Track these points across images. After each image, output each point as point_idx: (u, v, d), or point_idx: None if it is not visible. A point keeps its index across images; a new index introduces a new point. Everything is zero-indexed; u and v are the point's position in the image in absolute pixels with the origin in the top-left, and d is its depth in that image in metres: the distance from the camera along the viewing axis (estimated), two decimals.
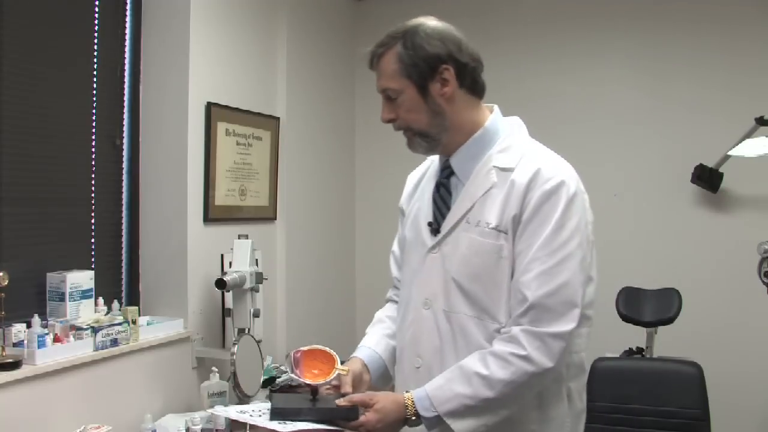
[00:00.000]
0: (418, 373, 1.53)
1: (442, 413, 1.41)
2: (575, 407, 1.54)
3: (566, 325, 1.41)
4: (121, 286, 2.72)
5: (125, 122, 2.75)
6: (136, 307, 2.55)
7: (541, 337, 1.39)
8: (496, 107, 1.60)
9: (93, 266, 2.54)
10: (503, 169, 1.50)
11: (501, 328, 1.46)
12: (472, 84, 1.53)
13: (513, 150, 1.52)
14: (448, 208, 1.55)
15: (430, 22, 1.54)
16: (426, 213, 1.59)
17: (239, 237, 2.73)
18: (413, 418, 1.43)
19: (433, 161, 1.68)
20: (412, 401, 1.43)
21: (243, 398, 2.46)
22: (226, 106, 2.95)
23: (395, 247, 1.78)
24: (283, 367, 3.12)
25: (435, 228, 1.55)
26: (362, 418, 1.43)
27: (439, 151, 1.59)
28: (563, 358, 1.43)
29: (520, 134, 1.58)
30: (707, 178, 3.46)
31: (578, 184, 1.50)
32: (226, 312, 2.83)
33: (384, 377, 1.67)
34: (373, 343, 1.68)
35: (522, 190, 1.46)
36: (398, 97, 1.52)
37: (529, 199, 1.45)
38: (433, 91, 1.50)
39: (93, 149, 2.61)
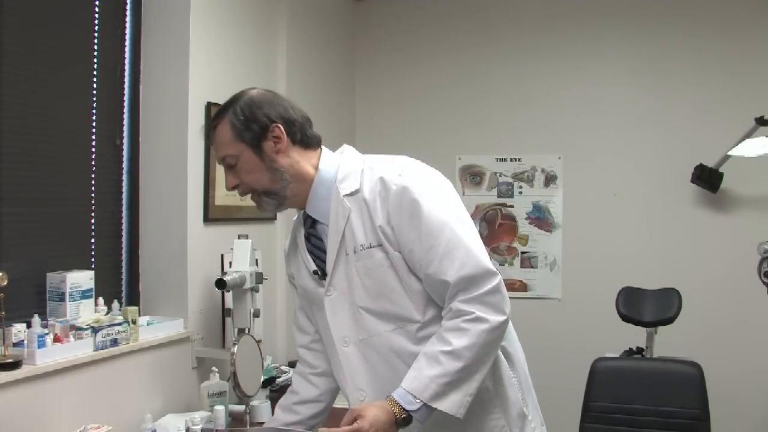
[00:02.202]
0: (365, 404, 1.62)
1: (426, 400, 1.47)
2: (513, 359, 1.67)
3: (492, 280, 1.52)
4: (121, 286, 2.72)
5: (125, 122, 2.75)
6: (136, 307, 2.55)
7: (479, 299, 1.50)
8: (323, 147, 1.74)
9: (93, 266, 2.54)
10: (351, 194, 1.62)
11: (420, 323, 1.58)
12: (303, 138, 1.68)
13: (352, 175, 1.65)
14: (325, 252, 1.66)
15: (254, 90, 1.69)
16: (309, 265, 1.70)
17: (239, 237, 2.73)
18: (402, 416, 1.48)
19: (295, 224, 1.79)
20: (395, 401, 1.49)
21: (243, 398, 2.46)
22: None
23: (297, 315, 1.87)
24: (283, 367, 3.13)
25: (321, 273, 1.67)
26: (355, 425, 1.46)
27: (288, 205, 1.70)
28: (508, 306, 1.54)
29: (351, 158, 1.71)
30: (707, 178, 3.47)
31: (419, 167, 1.63)
32: (226, 312, 2.83)
33: None
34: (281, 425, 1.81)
35: (375, 202, 1.58)
36: (237, 162, 1.63)
37: (386, 207, 1.57)
38: (267, 150, 1.63)
39: (93, 149, 2.60)
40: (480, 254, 1.53)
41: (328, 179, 1.66)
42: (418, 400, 1.47)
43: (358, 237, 1.59)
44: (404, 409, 1.47)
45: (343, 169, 1.67)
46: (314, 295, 1.70)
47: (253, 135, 1.61)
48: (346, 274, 1.62)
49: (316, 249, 1.69)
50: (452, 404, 1.48)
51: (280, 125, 1.63)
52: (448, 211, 1.56)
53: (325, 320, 1.68)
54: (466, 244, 1.53)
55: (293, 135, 1.65)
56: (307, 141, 1.69)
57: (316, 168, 1.68)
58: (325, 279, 1.66)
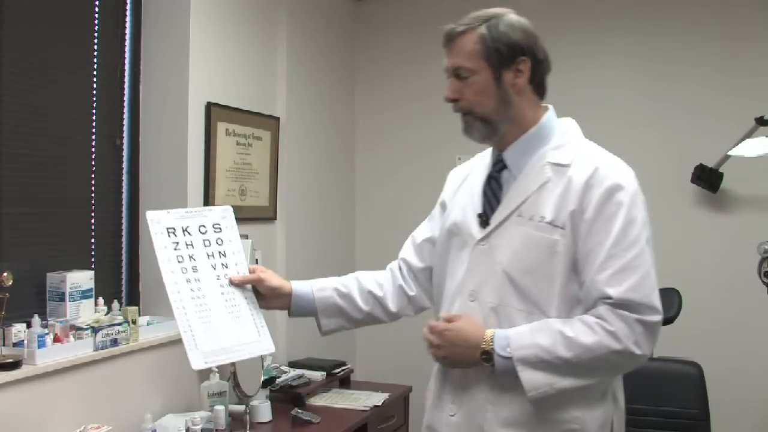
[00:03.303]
0: None
1: (516, 358, 1.42)
2: (619, 406, 1.57)
3: (652, 316, 1.41)
4: (121, 286, 2.72)
5: (125, 122, 2.75)
6: (136, 307, 2.55)
7: (628, 321, 1.40)
8: (551, 107, 1.63)
9: (93, 266, 2.54)
10: (559, 165, 1.52)
11: None
12: (540, 82, 1.58)
13: (568, 147, 1.55)
14: (498, 202, 1.56)
15: (513, 14, 1.56)
16: (475, 205, 1.60)
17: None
18: (487, 351, 1.44)
19: (483, 157, 1.69)
20: (492, 337, 1.45)
21: (243, 398, 2.46)
22: (226, 106, 2.95)
23: (418, 234, 1.79)
24: (283, 367, 3.12)
25: (484, 220, 1.56)
26: (438, 323, 1.51)
27: (495, 141, 1.59)
28: (650, 349, 1.42)
29: (574, 133, 1.61)
30: (707, 178, 3.46)
31: (635, 181, 1.51)
32: None
33: (304, 314, 1.73)
34: (319, 287, 1.73)
35: (581, 187, 1.47)
36: (470, 77, 1.53)
37: (590, 197, 1.46)
38: (506, 79, 1.52)
39: (93, 149, 2.61)
40: (654, 287, 1.43)
41: (542, 138, 1.57)
42: (508, 351, 1.42)
43: (542, 208, 1.49)
44: (493, 347, 1.44)
45: (561, 137, 1.58)
46: (465, 235, 1.59)
47: (501, 59, 1.51)
48: (510, 234, 1.51)
49: (491, 193, 1.59)
50: (531, 381, 1.42)
51: (528, 60, 1.53)
52: (644, 233, 1.46)
53: (460, 265, 1.58)
54: (646, 271, 1.43)
55: (534, 75, 1.55)
56: (542, 88, 1.60)
57: (534, 120, 1.57)
58: (485, 227, 1.55)
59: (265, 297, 1.71)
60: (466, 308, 1.54)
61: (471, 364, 1.48)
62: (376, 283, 1.76)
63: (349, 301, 1.74)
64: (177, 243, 1.65)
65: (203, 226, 1.70)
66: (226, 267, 1.69)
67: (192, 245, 1.67)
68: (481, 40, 1.51)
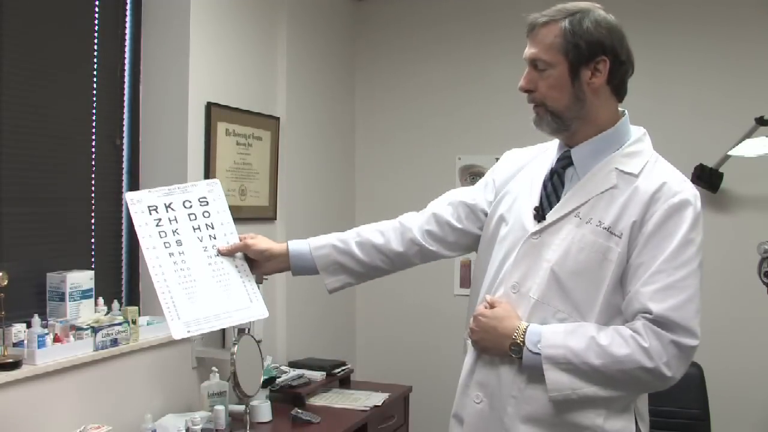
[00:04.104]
0: None
1: (544, 356, 1.42)
2: (644, 420, 1.55)
3: (689, 340, 1.40)
4: (121, 286, 2.72)
5: (125, 122, 2.75)
6: (136, 307, 2.55)
7: (663, 341, 1.38)
8: (626, 112, 1.60)
9: (93, 266, 2.54)
10: (626, 173, 1.50)
11: None
12: (619, 84, 1.55)
13: (638, 157, 1.53)
14: (558, 198, 1.54)
15: (600, 10, 1.53)
16: (532, 198, 1.58)
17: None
18: (518, 343, 1.45)
19: (545, 149, 1.68)
20: (524, 330, 1.45)
21: (243, 398, 2.46)
22: (226, 106, 2.95)
23: (455, 195, 1.76)
24: (283, 367, 3.12)
25: (540, 214, 1.54)
26: (483, 308, 1.51)
27: (565, 137, 1.57)
28: (680, 372, 1.41)
29: (646, 143, 1.58)
30: (707, 178, 3.46)
31: (700, 203, 1.49)
32: None
33: (306, 273, 1.74)
34: (316, 245, 1.73)
35: (646, 199, 1.46)
36: (546, 70, 1.51)
37: (653, 210, 1.45)
38: (582, 77, 1.49)
39: (93, 149, 2.61)
40: (697, 312, 1.42)
41: (614, 142, 1.54)
42: (538, 347, 1.42)
43: (602, 213, 1.47)
44: (524, 340, 1.44)
45: (634, 146, 1.54)
46: (516, 226, 1.56)
47: (579, 56, 1.47)
48: (564, 233, 1.49)
49: (551, 189, 1.56)
50: (556, 381, 1.41)
51: (608, 60, 1.48)
52: (698, 257, 1.46)
53: (507, 255, 1.55)
54: (692, 294, 1.42)
55: (613, 76, 1.51)
56: (621, 90, 1.56)
57: (609, 122, 1.54)
58: (540, 222, 1.52)
59: (257, 262, 1.72)
60: (507, 299, 1.53)
61: (499, 353, 1.49)
62: (377, 231, 1.74)
63: (348, 256, 1.72)
64: (159, 219, 1.66)
65: (188, 201, 1.72)
66: (215, 238, 1.71)
67: (176, 220, 1.68)
68: (561, 34, 1.49)
